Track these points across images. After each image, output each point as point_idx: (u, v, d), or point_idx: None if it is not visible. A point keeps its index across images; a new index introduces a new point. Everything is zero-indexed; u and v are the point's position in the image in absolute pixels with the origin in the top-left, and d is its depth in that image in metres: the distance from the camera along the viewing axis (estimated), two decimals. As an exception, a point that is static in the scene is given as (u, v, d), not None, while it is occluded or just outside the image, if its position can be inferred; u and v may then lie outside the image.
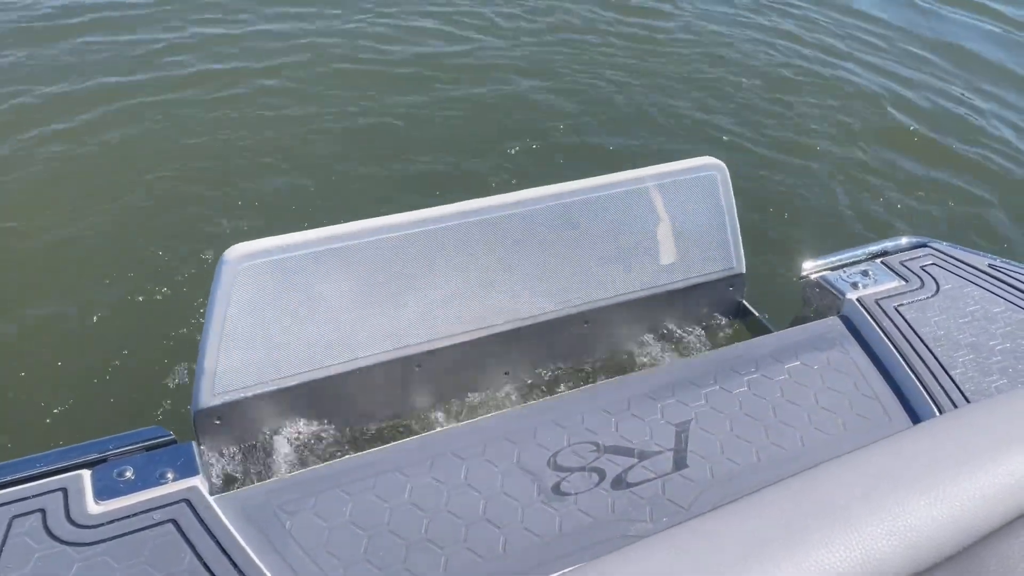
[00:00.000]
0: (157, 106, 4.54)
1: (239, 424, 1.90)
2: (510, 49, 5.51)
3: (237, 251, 1.83)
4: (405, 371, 2.05)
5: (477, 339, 2.09)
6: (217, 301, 1.81)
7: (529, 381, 2.24)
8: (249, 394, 1.87)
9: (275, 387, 1.90)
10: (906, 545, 0.80)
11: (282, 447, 1.96)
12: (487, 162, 4.36)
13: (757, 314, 2.41)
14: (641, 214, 2.22)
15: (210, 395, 1.83)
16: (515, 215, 2.09)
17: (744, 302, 2.43)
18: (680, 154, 4.25)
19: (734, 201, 2.33)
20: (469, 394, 2.18)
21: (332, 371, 1.95)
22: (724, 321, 2.44)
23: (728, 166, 2.33)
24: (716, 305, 2.42)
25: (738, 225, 2.35)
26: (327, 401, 1.99)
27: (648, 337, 2.38)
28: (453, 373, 2.12)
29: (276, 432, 1.97)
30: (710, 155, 2.32)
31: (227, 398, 1.85)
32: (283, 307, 1.88)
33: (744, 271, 2.38)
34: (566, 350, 2.27)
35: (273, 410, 1.92)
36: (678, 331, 2.40)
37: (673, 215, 2.26)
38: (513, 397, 2.20)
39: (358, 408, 2.05)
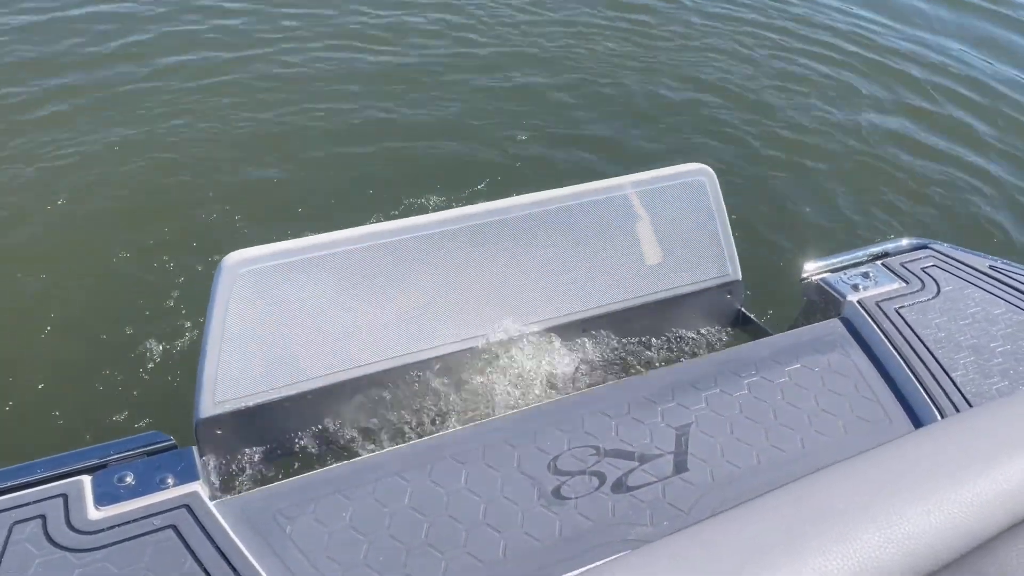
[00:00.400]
0: (148, 101, 4.55)
1: (241, 432, 1.90)
2: (501, 50, 5.48)
3: (235, 257, 1.84)
4: (406, 378, 2.05)
5: (477, 347, 2.10)
6: (216, 307, 1.82)
7: (529, 387, 2.24)
8: (250, 403, 1.87)
9: (276, 395, 1.89)
10: (904, 552, 0.80)
11: (284, 455, 1.96)
12: (473, 164, 4.35)
13: (757, 320, 2.41)
14: (631, 222, 2.22)
15: (211, 404, 1.83)
16: (510, 220, 2.10)
17: (743, 309, 2.43)
18: (674, 155, 4.26)
19: (724, 207, 2.33)
20: (469, 401, 2.19)
21: (333, 379, 1.95)
22: (724, 328, 2.43)
23: (726, 168, 2.33)
24: (715, 312, 2.41)
25: (731, 231, 2.34)
26: (329, 408, 1.99)
27: (647, 345, 2.37)
28: (453, 381, 2.12)
29: (278, 439, 1.96)
30: (708, 156, 2.32)
31: (228, 407, 1.85)
32: (283, 313, 1.88)
33: (740, 278, 2.38)
34: (565, 358, 2.27)
35: (275, 417, 1.92)
36: (678, 338, 2.40)
37: (664, 222, 2.26)
38: (513, 402, 2.20)
39: (359, 415, 2.05)
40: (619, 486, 1.65)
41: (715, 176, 2.32)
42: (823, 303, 2.21)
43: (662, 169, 2.28)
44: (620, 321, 2.27)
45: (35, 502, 1.47)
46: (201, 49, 5.02)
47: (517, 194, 2.15)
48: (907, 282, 2.20)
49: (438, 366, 2.08)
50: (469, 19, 5.78)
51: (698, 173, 2.31)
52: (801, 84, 5.53)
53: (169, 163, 4.09)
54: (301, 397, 1.92)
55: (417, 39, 5.46)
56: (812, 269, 2.28)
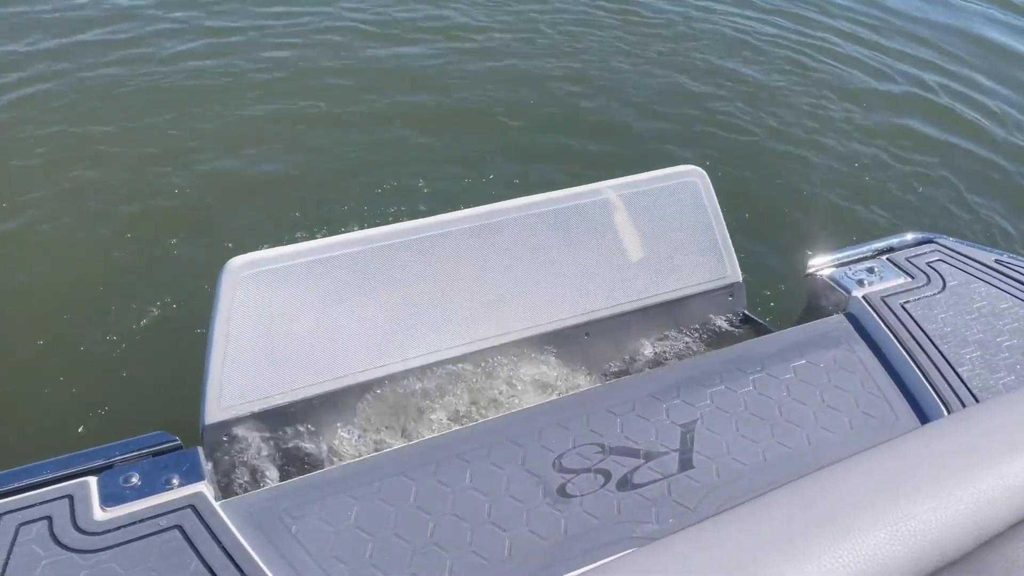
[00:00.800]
0: (154, 105, 4.55)
1: (248, 438, 1.90)
2: (492, 53, 5.42)
3: (238, 261, 1.85)
4: (411, 383, 2.05)
5: (480, 351, 2.10)
6: (219, 313, 1.82)
7: (533, 390, 2.24)
8: (256, 408, 1.87)
9: (282, 400, 1.89)
10: (910, 549, 0.80)
11: (291, 459, 1.96)
12: (464, 169, 4.31)
13: (762, 321, 2.39)
14: (625, 225, 2.22)
15: (217, 409, 1.83)
16: (507, 222, 2.11)
17: (746, 311, 2.41)
18: (668, 153, 4.23)
19: (719, 208, 2.33)
20: (475, 404, 2.19)
21: (339, 384, 1.95)
22: (727, 330, 2.42)
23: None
24: (718, 314, 2.40)
25: (727, 233, 2.33)
26: (336, 413, 1.99)
27: (651, 347, 2.36)
28: (458, 385, 2.12)
29: (285, 445, 1.97)
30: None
31: (235, 412, 1.85)
32: (287, 318, 1.89)
33: (740, 279, 2.36)
34: (568, 362, 2.27)
35: (281, 423, 1.92)
36: (681, 341, 2.38)
37: (659, 225, 2.26)
38: (518, 404, 2.20)
39: (366, 420, 2.05)
40: (624, 484, 1.65)
41: (707, 177, 2.32)
42: (828, 299, 2.21)
43: (654, 172, 2.29)
44: (621, 325, 2.27)
45: (41, 503, 1.47)
46: (200, 38, 5.02)
47: (504, 197, 2.16)
48: (912, 277, 2.19)
49: (443, 370, 2.08)
50: (465, 13, 5.75)
51: (690, 175, 2.31)
52: (796, 77, 5.49)
53: (173, 163, 4.09)
54: (307, 402, 1.92)
55: (411, 36, 5.44)
56: (816, 265, 2.27)
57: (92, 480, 1.53)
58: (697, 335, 2.39)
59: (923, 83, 5.60)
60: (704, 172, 2.33)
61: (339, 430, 2.02)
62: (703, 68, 5.46)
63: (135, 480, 1.53)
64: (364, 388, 1.98)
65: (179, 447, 1.65)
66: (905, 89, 5.51)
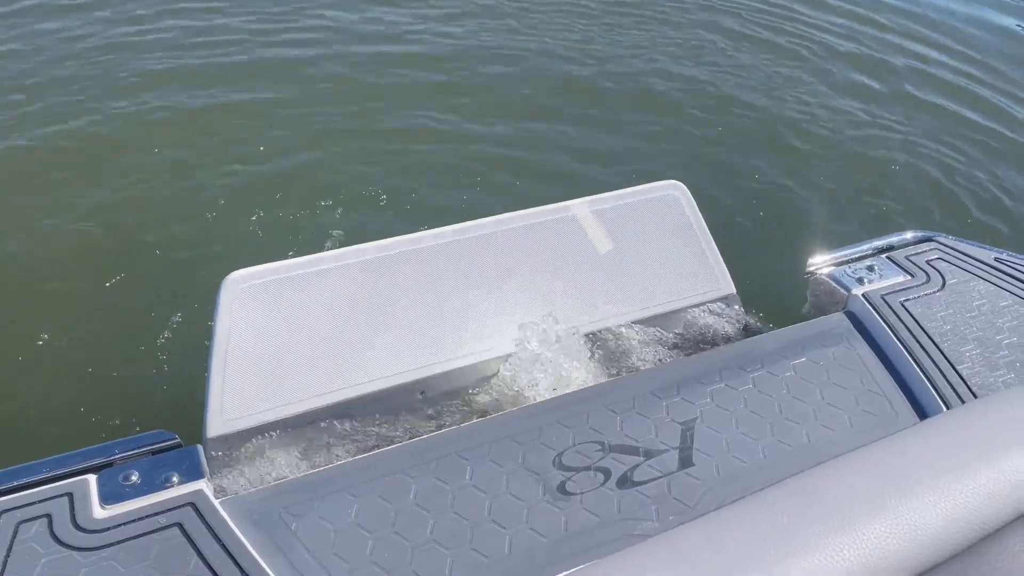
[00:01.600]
0: (156, 113, 4.55)
1: (250, 449, 1.90)
2: (479, 61, 5.37)
3: (237, 275, 1.88)
4: (414, 394, 2.05)
5: (482, 361, 2.10)
6: (219, 325, 1.84)
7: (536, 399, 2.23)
8: (259, 420, 1.87)
9: (285, 412, 1.90)
10: (910, 543, 0.80)
11: (293, 470, 1.96)
12: (456, 175, 4.26)
13: (761, 327, 2.39)
14: (612, 240, 2.24)
15: (220, 422, 1.83)
16: (497, 235, 2.13)
17: (747, 319, 2.41)
18: (665, 154, 4.21)
19: (703, 221, 2.34)
20: (477, 414, 2.19)
21: (342, 395, 1.95)
22: (729, 339, 2.41)
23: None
24: (716, 326, 2.40)
25: (714, 245, 2.34)
26: (336, 425, 1.99)
27: (652, 358, 2.36)
28: (457, 397, 2.13)
29: (288, 456, 1.96)
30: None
31: (238, 425, 1.85)
32: (287, 330, 1.90)
33: (733, 290, 2.35)
34: (566, 371, 2.27)
35: (284, 434, 1.92)
36: (679, 353, 2.38)
37: (643, 241, 2.27)
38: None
39: (370, 431, 2.05)
40: (624, 481, 1.65)
41: (688, 191, 2.33)
42: (828, 297, 2.21)
43: (633, 187, 2.31)
44: (615, 339, 2.27)
45: (40, 501, 1.47)
46: (212, 78, 5.00)
47: (487, 210, 2.18)
48: (912, 275, 2.20)
49: (441, 381, 2.08)
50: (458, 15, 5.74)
51: (671, 188, 2.33)
52: (792, 70, 5.46)
53: (180, 165, 4.09)
54: (310, 414, 1.92)
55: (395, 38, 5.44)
56: (816, 263, 2.27)
57: (91, 478, 1.53)
58: (697, 346, 2.38)
59: (922, 76, 5.59)
60: (684, 186, 2.34)
61: (340, 440, 2.02)
62: (696, 63, 5.43)
63: (135, 478, 1.53)
64: (363, 400, 1.98)
65: (179, 445, 1.65)
66: (905, 83, 5.50)
